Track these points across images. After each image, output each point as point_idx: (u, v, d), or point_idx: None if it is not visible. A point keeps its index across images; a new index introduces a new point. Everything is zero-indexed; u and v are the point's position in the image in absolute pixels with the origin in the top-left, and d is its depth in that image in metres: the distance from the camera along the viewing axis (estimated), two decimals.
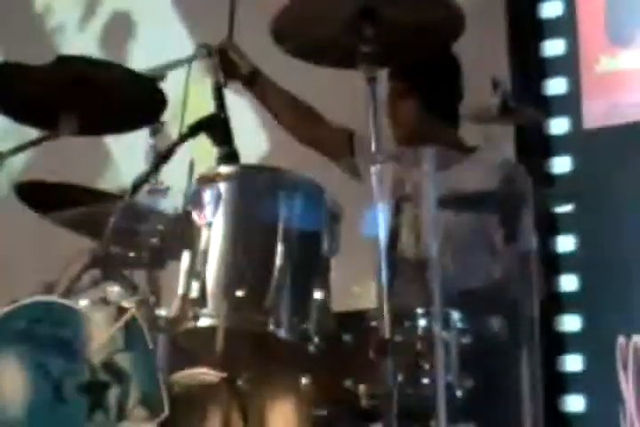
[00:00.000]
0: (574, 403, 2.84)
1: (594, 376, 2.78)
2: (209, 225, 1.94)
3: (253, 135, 2.87)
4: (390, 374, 1.82)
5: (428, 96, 2.50)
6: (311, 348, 1.90)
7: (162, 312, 1.93)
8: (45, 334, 1.82)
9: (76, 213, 2.28)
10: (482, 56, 2.86)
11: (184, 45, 3.18)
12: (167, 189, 2.17)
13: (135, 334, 1.77)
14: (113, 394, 1.71)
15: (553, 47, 3.13)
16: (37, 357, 1.81)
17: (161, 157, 2.16)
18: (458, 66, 2.55)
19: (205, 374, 1.90)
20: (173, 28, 3.55)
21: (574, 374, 2.84)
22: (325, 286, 1.97)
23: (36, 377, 1.80)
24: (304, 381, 1.95)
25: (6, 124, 2.69)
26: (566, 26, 3.07)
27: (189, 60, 2.36)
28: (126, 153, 3.21)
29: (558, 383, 2.83)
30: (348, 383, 1.91)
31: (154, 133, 2.46)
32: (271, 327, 1.87)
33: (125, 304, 1.89)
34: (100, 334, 1.77)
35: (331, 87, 2.90)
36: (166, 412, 1.71)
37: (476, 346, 1.96)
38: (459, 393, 1.87)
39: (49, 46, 3.80)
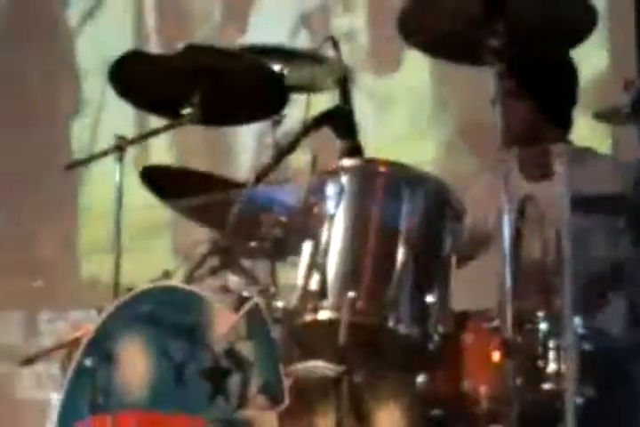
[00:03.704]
0: None
1: None
2: (331, 218, 1.94)
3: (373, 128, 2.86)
4: (511, 376, 1.79)
5: (542, 97, 2.46)
6: (430, 346, 1.88)
7: (279, 304, 1.93)
8: (169, 319, 1.85)
9: (194, 202, 2.31)
10: (611, 55, 2.81)
11: None
12: (289, 180, 2.19)
13: (257, 324, 1.78)
14: (234, 381, 1.72)
15: None
16: (161, 341, 1.83)
17: (285, 149, 2.16)
18: (574, 69, 2.49)
19: (322, 367, 1.88)
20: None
21: None
22: (446, 285, 1.95)
23: (159, 361, 1.83)
24: (420, 379, 1.94)
25: (132, 112, 2.75)
26: None
27: (315, 52, 2.38)
28: (247, 144, 3.26)
29: None
30: (465, 385, 1.89)
31: (275, 125, 2.49)
32: (391, 323, 1.86)
33: (246, 293, 1.91)
34: (222, 322, 1.78)
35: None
36: (286, 401, 1.72)
37: (597, 353, 1.93)
38: (579, 401, 1.83)
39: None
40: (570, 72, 2.49)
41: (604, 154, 2.48)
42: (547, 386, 1.86)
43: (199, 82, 2.37)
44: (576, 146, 2.42)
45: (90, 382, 1.91)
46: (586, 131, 2.49)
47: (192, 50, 2.36)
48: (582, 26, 2.01)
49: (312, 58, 2.41)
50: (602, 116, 2.20)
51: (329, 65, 2.36)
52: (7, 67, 4.30)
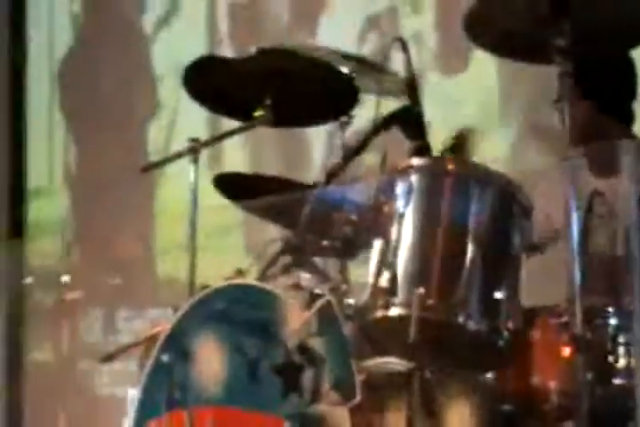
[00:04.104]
0: None
1: None
2: (400, 216, 1.95)
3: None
4: (581, 371, 1.78)
5: (603, 96, 2.43)
6: (500, 342, 1.88)
7: (350, 301, 1.94)
8: (242, 317, 1.87)
9: (265, 202, 2.34)
10: None
11: None
12: (359, 179, 2.19)
13: (329, 320, 1.79)
14: (307, 377, 1.73)
15: None
16: (235, 337, 1.86)
17: (355, 149, 2.17)
18: (633, 65, 2.47)
19: (394, 363, 1.89)
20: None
21: None
22: (515, 282, 1.95)
23: (233, 357, 1.85)
24: (489, 375, 1.95)
25: (205, 114, 2.78)
26: None
27: (384, 53, 2.38)
28: (318, 145, 3.27)
29: None
30: (535, 380, 1.89)
31: (344, 126, 2.50)
32: (461, 319, 1.86)
33: (318, 291, 1.92)
34: (295, 319, 1.80)
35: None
36: (358, 397, 1.72)
37: None
38: None
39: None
40: (630, 69, 2.47)
41: None
42: (617, 381, 1.85)
43: (271, 85, 2.40)
44: None
45: (167, 378, 1.94)
46: None
47: (264, 53, 2.39)
48: None
49: (379, 66, 2.42)
50: None
51: (395, 74, 2.36)
52: (85, 72, 4.38)
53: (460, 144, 2.08)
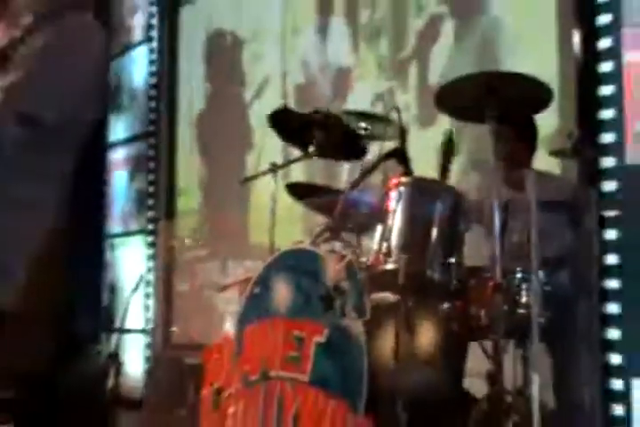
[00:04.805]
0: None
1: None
2: (394, 211, 1.93)
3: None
4: (500, 304, 1.76)
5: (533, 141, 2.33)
6: (451, 286, 1.87)
7: (363, 259, 1.93)
8: (302, 267, 1.87)
9: (318, 201, 2.33)
10: (559, 117, 2.71)
11: None
12: (370, 188, 2.17)
13: (351, 271, 1.78)
14: (338, 303, 1.72)
15: None
16: (297, 279, 1.86)
17: (368, 170, 2.14)
18: (535, 126, 2.34)
19: (388, 297, 1.88)
20: None
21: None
22: (461, 250, 1.92)
23: (295, 291, 1.85)
24: (444, 306, 1.92)
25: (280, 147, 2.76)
26: None
27: (386, 116, 2.34)
28: (345, 167, 3.27)
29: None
30: (472, 310, 1.86)
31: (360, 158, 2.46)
32: (429, 272, 1.85)
33: (345, 253, 1.91)
34: (331, 269, 1.78)
35: None
36: (368, 316, 1.71)
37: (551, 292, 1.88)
38: (541, 320, 1.79)
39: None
40: (533, 127, 2.34)
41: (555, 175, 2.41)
42: (520, 311, 1.83)
43: (318, 131, 2.37)
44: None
45: (257, 302, 1.95)
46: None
47: (315, 113, 2.36)
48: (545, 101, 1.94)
49: (385, 119, 2.39)
50: (554, 153, 2.15)
51: (393, 124, 2.33)
52: (210, 122, 4.39)
53: (449, 147, 2.03)
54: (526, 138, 2.34)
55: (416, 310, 1.88)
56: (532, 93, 1.88)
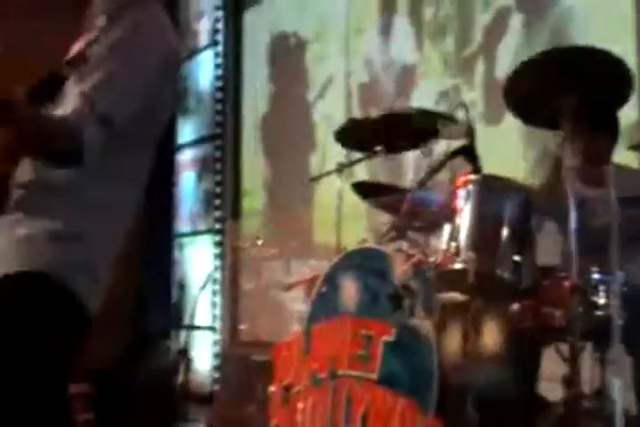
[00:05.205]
0: None
1: None
2: (462, 210, 1.89)
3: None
4: (577, 306, 1.69)
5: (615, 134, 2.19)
6: (521, 286, 1.81)
7: (431, 259, 1.90)
8: (368, 266, 1.86)
9: (383, 200, 2.31)
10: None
11: None
12: (439, 186, 2.14)
13: (420, 270, 1.77)
14: (406, 303, 1.71)
15: None
16: (364, 278, 1.85)
17: (435, 169, 2.12)
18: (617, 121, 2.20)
19: (457, 296, 1.86)
20: None
21: None
22: (532, 249, 1.86)
23: (363, 290, 1.85)
24: (514, 307, 1.87)
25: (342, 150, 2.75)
26: None
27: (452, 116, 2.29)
28: (409, 166, 3.25)
29: None
30: (546, 310, 1.80)
31: (427, 155, 2.43)
32: (499, 271, 1.80)
33: (412, 252, 1.90)
34: (399, 268, 1.78)
35: None
36: (437, 316, 1.70)
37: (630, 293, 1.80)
38: (620, 322, 1.71)
39: None
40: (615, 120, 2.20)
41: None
42: (598, 313, 1.77)
43: (385, 130, 2.34)
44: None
45: (324, 301, 1.95)
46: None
47: (383, 116, 2.36)
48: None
49: (450, 117, 2.35)
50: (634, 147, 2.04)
51: (459, 122, 2.28)
52: (274, 124, 4.44)
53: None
54: (607, 130, 2.22)
55: (485, 311, 1.85)
56: (615, 74, 1.73)
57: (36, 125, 1.14)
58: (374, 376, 1.73)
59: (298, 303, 2.51)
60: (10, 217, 1.21)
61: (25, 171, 1.22)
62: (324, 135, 3.84)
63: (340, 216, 2.48)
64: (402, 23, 3.62)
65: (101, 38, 1.21)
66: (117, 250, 1.29)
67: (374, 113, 2.42)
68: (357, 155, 2.57)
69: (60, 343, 1.16)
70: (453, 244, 1.85)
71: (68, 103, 1.18)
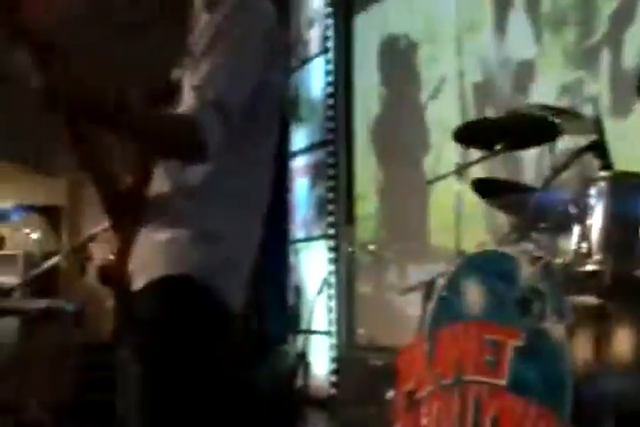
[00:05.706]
0: None
1: None
2: (594, 209, 1.79)
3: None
4: None
5: None
6: None
7: (558, 260, 1.81)
8: (492, 269, 1.81)
9: (504, 200, 2.24)
10: None
11: None
12: (565, 185, 2.05)
13: (548, 272, 1.69)
14: (535, 306, 1.64)
15: None
16: (488, 282, 1.80)
17: (563, 166, 2.03)
18: None
19: (589, 300, 1.75)
20: None
21: None
22: None
23: (488, 294, 1.80)
24: None
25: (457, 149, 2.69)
26: None
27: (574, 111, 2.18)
28: (528, 164, 3.13)
29: None
30: None
31: (551, 151, 2.33)
32: (637, 273, 1.69)
33: (539, 255, 1.82)
34: (526, 270, 1.70)
35: None
36: (571, 320, 1.62)
37: None
38: None
39: None
40: None
41: None
42: None
43: (507, 128, 2.29)
44: None
45: (445, 305, 1.92)
46: None
47: (509, 112, 2.28)
48: None
49: (574, 113, 2.24)
50: None
51: (583, 117, 2.17)
52: (388, 127, 4.42)
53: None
54: None
55: (622, 314, 1.74)
56: None
57: (153, 125, 1.14)
58: (503, 382, 1.68)
59: (414, 307, 2.46)
60: (149, 226, 1.22)
61: (159, 178, 1.25)
62: (438, 137, 3.78)
63: (459, 219, 2.43)
64: (517, 16, 3.50)
65: (203, 32, 1.22)
66: (258, 242, 1.28)
67: (490, 112, 2.35)
68: (474, 156, 2.50)
69: (208, 344, 1.18)
70: (584, 244, 1.76)
71: (184, 101, 1.19)
